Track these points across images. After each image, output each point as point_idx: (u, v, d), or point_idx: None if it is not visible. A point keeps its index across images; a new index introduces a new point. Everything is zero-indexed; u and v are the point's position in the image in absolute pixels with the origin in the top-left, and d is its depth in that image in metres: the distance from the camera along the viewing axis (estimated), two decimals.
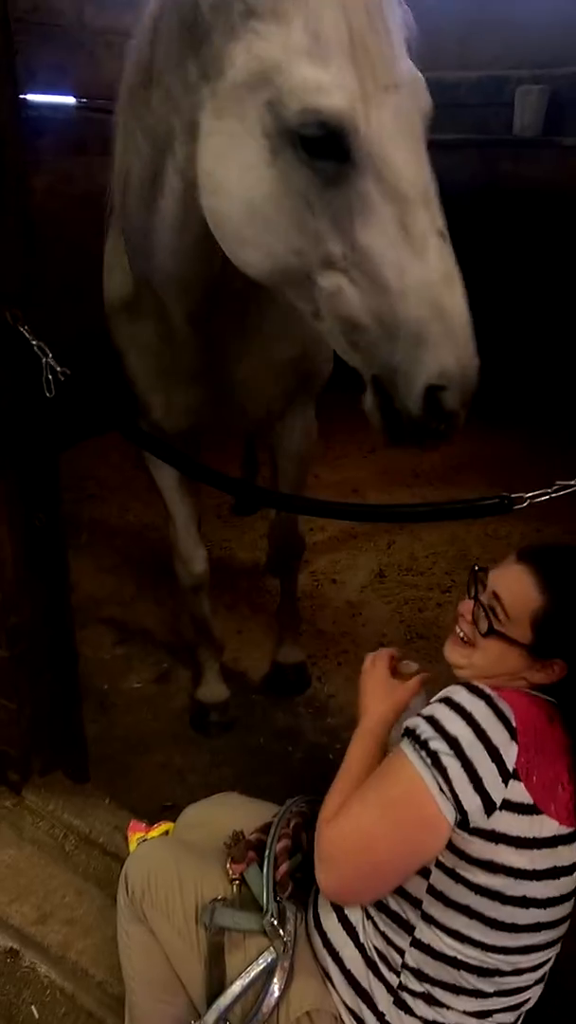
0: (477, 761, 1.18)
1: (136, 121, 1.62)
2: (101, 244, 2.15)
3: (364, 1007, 1.36)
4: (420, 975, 1.31)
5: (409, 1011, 1.33)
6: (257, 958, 1.40)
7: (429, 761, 1.20)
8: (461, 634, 1.37)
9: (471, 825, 1.19)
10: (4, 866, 2.16)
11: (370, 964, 1.36)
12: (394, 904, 1.32)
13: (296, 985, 1.39)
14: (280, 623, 2.95)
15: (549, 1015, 1.48)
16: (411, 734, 1.25)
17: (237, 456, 3.97)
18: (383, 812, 1.24)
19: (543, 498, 1.41)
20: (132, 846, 2.00)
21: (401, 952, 1.32)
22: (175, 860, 1.56)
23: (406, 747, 1.25)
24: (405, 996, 1.33)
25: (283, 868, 1.48)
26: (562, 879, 1.25)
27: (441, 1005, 1.31)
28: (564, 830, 1.23)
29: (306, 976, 1.40)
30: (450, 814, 1.18)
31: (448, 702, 1.25)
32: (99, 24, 3.98)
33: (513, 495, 1.42)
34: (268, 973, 1.39)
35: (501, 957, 1.27)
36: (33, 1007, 1.89)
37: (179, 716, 2.78)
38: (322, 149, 1.27)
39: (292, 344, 2.10)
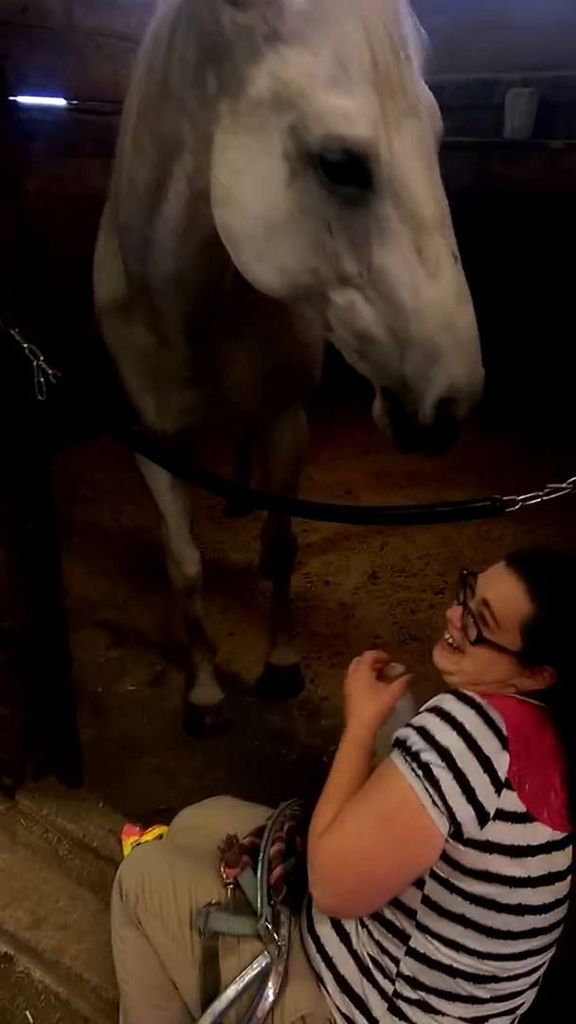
0: (469, 772, 1.17)
1: (145, 127, 1.62)
2: (93, 246, 2.15)
3: (358, 1013, 1.36)
4: (415, 983, 1.31)
5: (404, 1017, 1.33)
6: (252, 962, 1.40)
7: (421, 773, 1.19)
8: (450, 640, 1.36)
9: (465, 836, 1.19)
10: None
11: (364, 971, 1.36)
12: (389, 914, 1.31)
13: (291, 989, 1.38)
14: (273, 625, 2.95)
15: (544, 1019, 1.48)
16: (402, 745, 1.24)
17: (230, 458, 3.97)
18: (376, 826, 1.23)
19: (534, 501, 1.42)
20: (126, 850, 2.00)
21: (396, 960, 1.32)
22: (169, 864, 1.56)
23: (397, 759, 1.24)
24: (400, 1003, 1.33)
25: (277, 872, 1.48)
26: (557, 884, 1.25)
27: (436, 1012, 1.31)
28: (557, 835, 1.23)
29: (300, 980, 1.40)
30: (444, 826, 1.18)
31: (438, 711, 1.24)
32: (88, 25, 3.95)
33: (505, 497, 1.42)
34: (263, 977, 1.39)
35: (497, 964, 1.27)
36: (27, 1012, 1.88)
37: (173, 719, 2.77)
38: (343, 174, 1.28)
39: (285, 349, 2.10)
